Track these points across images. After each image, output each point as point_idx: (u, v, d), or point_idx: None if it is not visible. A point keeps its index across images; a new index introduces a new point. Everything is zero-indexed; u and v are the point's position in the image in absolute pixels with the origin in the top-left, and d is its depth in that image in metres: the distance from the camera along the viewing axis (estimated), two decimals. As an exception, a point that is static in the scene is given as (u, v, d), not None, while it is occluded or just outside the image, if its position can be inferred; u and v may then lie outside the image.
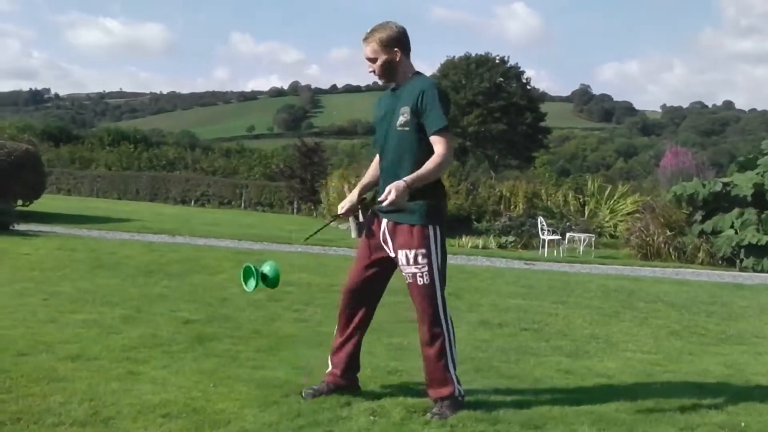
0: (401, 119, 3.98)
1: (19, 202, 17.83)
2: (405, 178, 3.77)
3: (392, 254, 4.06)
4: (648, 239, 17.00)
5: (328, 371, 4.24)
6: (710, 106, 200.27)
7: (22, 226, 14.22)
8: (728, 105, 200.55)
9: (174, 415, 3.64)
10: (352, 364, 4.24)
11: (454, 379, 3.98)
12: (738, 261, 15.78)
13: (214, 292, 7.90)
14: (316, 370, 4.41)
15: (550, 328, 6.98)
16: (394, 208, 3.81)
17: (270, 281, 4.10)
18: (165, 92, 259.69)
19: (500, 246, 18.38)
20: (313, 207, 31.07)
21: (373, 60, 4.03)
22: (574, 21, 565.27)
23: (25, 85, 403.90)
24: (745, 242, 15.40)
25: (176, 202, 38.66)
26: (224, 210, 35.03)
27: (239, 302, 7.29)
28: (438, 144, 3.90)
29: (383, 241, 4.09)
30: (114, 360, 4.69)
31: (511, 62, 56.60)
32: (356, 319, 4.20)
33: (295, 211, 34.15)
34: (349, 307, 4.20)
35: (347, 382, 4.21)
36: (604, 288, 10.43)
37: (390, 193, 3.69)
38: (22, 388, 3.97)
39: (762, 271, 15.16)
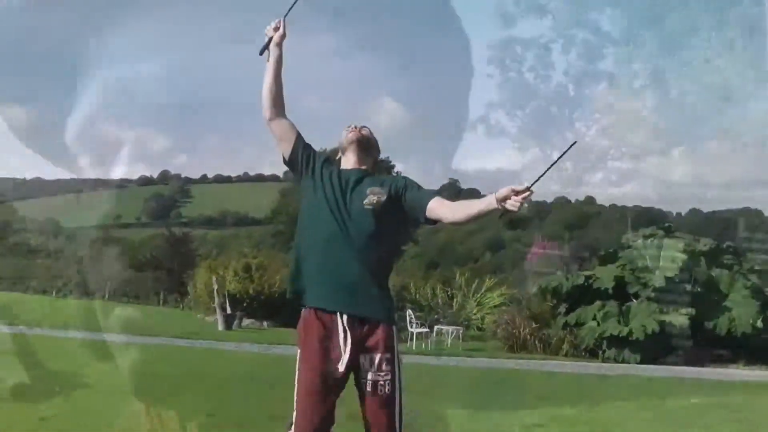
0: (371, 198, 3.48)
1: None
2: (495, 196, 3.15)
3: (345, 357, 3.43)
4: (514, 331, 17.24)
5: None
6: (573, 201, 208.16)
7: None
8: (590, 200, 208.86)
9: None
10: None
11: None
12: (601, 352, 16.16)
13: None
14: None
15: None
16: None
17: None
18: (29, 178, 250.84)
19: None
20: (179, 298, 30.28)
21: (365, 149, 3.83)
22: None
23: None
24: (607, 334, 15.80)
25: (36, 291, 36.94)
26: (83, 300, 33.56)
27: None
28: (444, 200, 3.48)
29: (340, 343, 3.44)
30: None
31: (381, 156, 57.52)
32: None
33: (161, 302, 33.15)
34: None
35: None
36: (472, 379, 10.46)
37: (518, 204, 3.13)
38: None
39: (623, 361, 15.55)
